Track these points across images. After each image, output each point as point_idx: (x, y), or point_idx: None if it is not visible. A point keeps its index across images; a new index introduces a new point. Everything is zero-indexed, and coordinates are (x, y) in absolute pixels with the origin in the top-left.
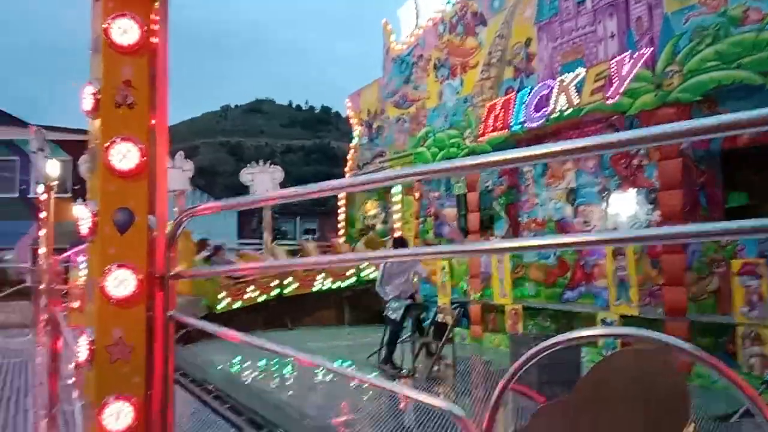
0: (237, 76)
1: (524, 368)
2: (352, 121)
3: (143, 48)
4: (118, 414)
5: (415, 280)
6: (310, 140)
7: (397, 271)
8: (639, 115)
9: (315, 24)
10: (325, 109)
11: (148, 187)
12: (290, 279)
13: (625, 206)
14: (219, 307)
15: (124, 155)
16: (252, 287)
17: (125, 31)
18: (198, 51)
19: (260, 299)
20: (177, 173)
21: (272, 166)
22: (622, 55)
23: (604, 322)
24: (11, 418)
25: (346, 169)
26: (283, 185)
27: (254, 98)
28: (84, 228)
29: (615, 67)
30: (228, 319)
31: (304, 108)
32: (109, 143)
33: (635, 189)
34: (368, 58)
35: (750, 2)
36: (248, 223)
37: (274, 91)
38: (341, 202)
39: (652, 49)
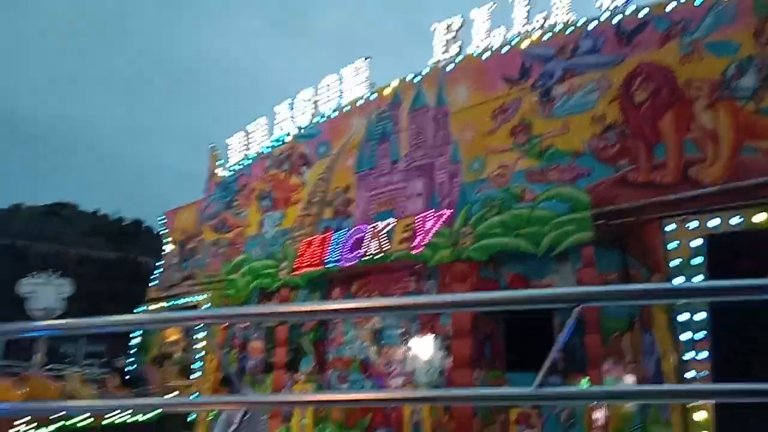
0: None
1: None
2: (164, 239)
3: None
4: None
5: None
6: (113, 253)
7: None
8: (438, 267)
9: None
10: (137, 222)
11: None
12: None
13: (423, 350)
14: None
15: None
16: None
17: None
18: None
19: None
20: None
21: (60, 277)
22: (427, 213)
23: None
24: None
25: (151, 288)
26: (71, 300)
27: (54, 200)
28: None
29: (420, 222)
30: None
31: (112, 218)
32: None
33: (433, 335)
34: (194, 177)
35: (527, 185)
36: (18, 340)
37: (80, 196)
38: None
39: (450, 211)
